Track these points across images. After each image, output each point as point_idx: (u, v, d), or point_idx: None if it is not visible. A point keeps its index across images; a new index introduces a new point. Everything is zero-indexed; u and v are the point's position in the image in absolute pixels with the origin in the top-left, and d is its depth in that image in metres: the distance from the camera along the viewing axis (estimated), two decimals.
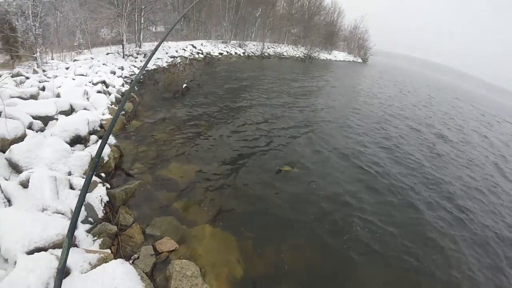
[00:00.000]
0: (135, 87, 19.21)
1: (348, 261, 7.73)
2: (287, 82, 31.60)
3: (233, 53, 48.55)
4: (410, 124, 23.83)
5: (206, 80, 24.94)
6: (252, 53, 53.89)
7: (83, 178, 7.45)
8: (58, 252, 4.98)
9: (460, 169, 16.77)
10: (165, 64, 27.54)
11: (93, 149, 8.80)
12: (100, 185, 7.71)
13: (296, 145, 14.30)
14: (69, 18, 28.06)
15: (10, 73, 13.75)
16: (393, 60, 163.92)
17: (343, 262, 7.69)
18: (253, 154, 12.62)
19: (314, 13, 79.53)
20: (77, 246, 5.62)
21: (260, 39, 64.20)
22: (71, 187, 6.89)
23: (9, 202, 5.88)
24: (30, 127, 8.73)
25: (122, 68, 22.27)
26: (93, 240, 5.99)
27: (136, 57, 27.62)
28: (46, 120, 9.58)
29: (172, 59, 31.06)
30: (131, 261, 5.88)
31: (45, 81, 13.65)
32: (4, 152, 7.14)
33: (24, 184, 6.18)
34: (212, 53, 42.54)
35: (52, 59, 20.34)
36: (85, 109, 11.37)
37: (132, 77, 21.30)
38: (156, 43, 34.47)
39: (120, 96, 15.48)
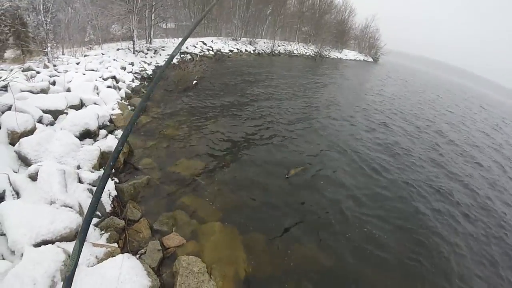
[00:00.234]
0: (145, 82, 19.35)
1: (357, 261, 7.64)
2: (297, 80, 31.31)
3: (244, 51, 48.38)
4: (419, 126, 23.58)
5: (216, 77, 24.86)
6: (263, 50, 53.67)
7: (92, 172, 7.48)
8: (65, 245, 4.98)
9: (468, 167, 16.64)
10: (175, 61, 27.53)
11: (102, 143, 8.79)
12: (108, 179, 7.68)
13: (304, 143, 14.19)
14: (80, 14, 28.14)
15: (21, 68, 13.80)
16: (405, 61, 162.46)
17: (352, 262, 7.60)
18: (262, 151, 12.56)
19: (325, 12, 78.81)
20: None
21: (270, 36, 63.85)
22: (80, 181, 6.90)
23: (17, 194, 5.88)
24: (40, 120, 8.77)
25: (132, 64, 22.33)
26: (101, 234, 5.99)
27: (147, 53, 27.63)
28: (56, 114, 9.61)
29: (182, 55, 31.08)
30: (138, 256, 5.86)
31: (56, 75, 13.68)
32: (13, 145, 7.18)
33: (33, 177, 6.19)
34: (222, 50, 42.45)
35: (63, 54, 20.41)
36: (95, 103, 11.40)
37: (142, 73, 21.33)
38: (166, 40, 34.57)
39: (130, 92, 15.53)
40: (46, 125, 8.87)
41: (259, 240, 7.51)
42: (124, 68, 20.19)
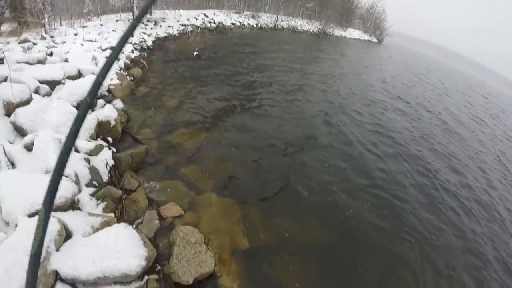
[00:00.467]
0: (145, 53, 19.10)
1: (354, 236, 7.64)
2: (299, 58, 30.63)
3: (246, 24, 47.94)
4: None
5: (217, 49, 24.53)
6: (265, 24, 53.15)
7: (89, 141, 7.37)
8: (61, 215, 4.90)
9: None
10: (176, 32, 27.30)
11: (100, 113, 8.63)
12: (106, 148, 7.61)
13: (303, 115, 14.11)
14: None
15: (17, 40, 13.64)
16: (410, 44, 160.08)
17: (349, 236, 7.61)
18: (262, 122, 12.47)
19: None
20: (79, 209, 5.52)
21: (274, 11, 63.02)
22: (76, 150, 6.80)
23: (12, 165, 5.79)
24: (36, 91, 8.63)
25: (132, 35, 22.09)
26: (97, 204, 5.88)
27: (147, 24, 27.28)
28: (53, 84, 9.47)
29: (184, 27, 30.73)
30: (134, 226, 5.77)
31: (53, 47, 13.52)
32: (9, 116, 7.04)
33: (29, 147, 6.09)
34: (224, 23, 42.06)
35: (61, 25, 20.20)
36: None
37: (142, 44, 21.09)
38: (167, 11, 34.15)
39: (129, 62, 15.34)
40: (43, 96, 8.72)
41: (256, 212, 7.47)
42: None
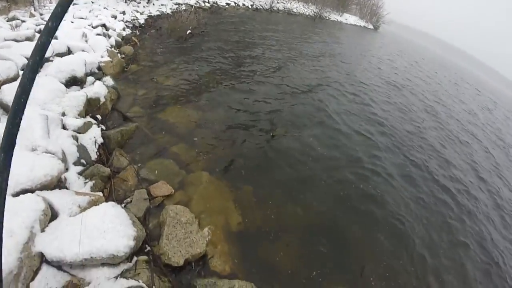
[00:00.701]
0: (137, 31, 18.86)
1: (348, 219, 7.64)
2: (294, 38, 30.80)
3: (241, 4, 47.36)
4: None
5: (211, 28, 24.32)
6: (261, 6, 52.51)
7: (77, 118, 7.17)
8: (46, 194, 4.73)
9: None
10: (169, 11, 26.89)
11: (89, 90, 8.44)
12: (95, 126, 7.42)
13: (297, 103, 13.83)
14: None
15: (5, 18, 13.34)
16: (406, 33, 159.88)
17: (343, 216, 7.65)
18: (255, 101, 12.39)
19: None
20: (66, 188, 5.35)
21: None
22: (64, 128, 6.62)
23: None
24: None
25: (123, 13, 21.67)
26: (85, 183, 5.71)
27: (139, 2, 26.87)
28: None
29: (177, 6, 30.33)
30: (123, 205, 5.64)
31: (42, 24, 13.19)
32: None
33: None
34: (218, 3, 41.53)
35: (51, 3, 19.73)
36: (83, 51, 10.96)
37: (134, 22, 20.78)
38: None
39: (120, 40, 15.07)
40: None
41: (249, 192, 7.39)
42: (115, 17, 19.46)
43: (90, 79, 9.50)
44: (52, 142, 5.71)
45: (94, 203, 5.11)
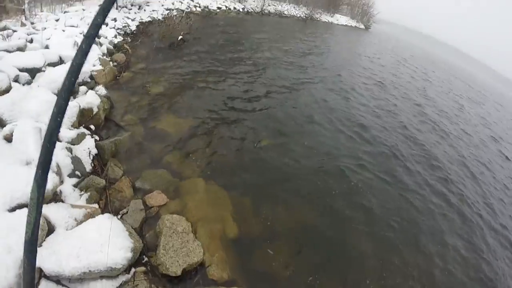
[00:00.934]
0: (129, 38, 18.82)
1: (342, 221, 7.73)
2: (284, 40, 30.94)
3: (232, 8, 47.38)
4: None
5: (203, 33, 24.27)
6: (252, 9, 52.61)
7: (70, 130, 7.17)
8: (42, 208, 4.73)
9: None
10: (160, 17, 26.89)
11: (82, 100, 8.43)
12: (88, 137, 7.44)
13: (285, 106, 13.89)
14: None
15: None
16: (397, 32, 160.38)
17: (338, 222, 7.69)
18: (247, 109, 12.42)
19: None
20: (62, 201, 5.35)
21: None
22: (58, 139, 6.60)
23: None
24: (16, 80, 8.33)
25: (115, 20, 21.63)
26: (80, 195, 5.72)
27: (130, 9, 26.81)
28: (33, 72, 9.18)
29: (168, 11, 30.30)
30: (119, 216, 5.66)
31: (34, 33, 13.14)
32: None
33: (8, 138, 5.89)
34: (210, 7, 41.50)
35: (42, 11, 19.69)
36: None
37: (125, 28, 20.77)
38: None
39: (112, 48, 15.05)
40: (23, 84, 8.44)
41: (244, 199, 7.45)
42: (106, 24, 19.44)
43: (82, 88, 9.49)
44: None
45: (90, 215, 5.12)
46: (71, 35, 13.63)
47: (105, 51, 13.96)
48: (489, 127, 23.89)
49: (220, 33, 26.66)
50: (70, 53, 11.06)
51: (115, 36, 17.42)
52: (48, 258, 4.05)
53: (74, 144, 6.83)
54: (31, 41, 11.68)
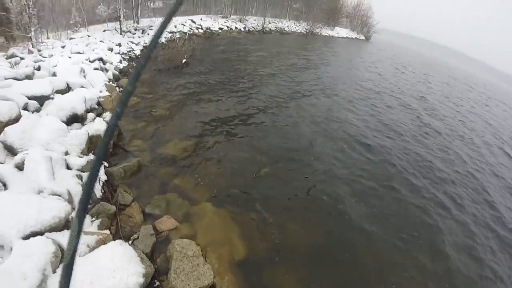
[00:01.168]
0: (133, 63, 18.98)
1: (352, 242, 7.65)
2: (285, 57, 31.28)
3: (234, 28, 48.02)
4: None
5: (206, 55, 24.59)
6: (253, 28, 53.32)
7: (80, 157, 7.28)
8: (55, 235, 4.82)
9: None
10: (163, 40, 27.18)
11: (90, 127, 8.57)
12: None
13: (294, 124, 14.01)
14: None
15: (4, 55, 13.53)
16: (398, 40, 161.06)
17: (347, 242, 7.62)
18: (253, 130, 12.47)
19: None
20: None
21: (261, 14, 62.99)
22: (68, 167, 6.72)
23: (4, 186, 5.67)
24: (25, 108, 8.49)
25: (119, 45, 21.97)
26: (92, 221, 5.81)
27: (134, 33, 27.25)
28: (42, 100, 9.35)
29: (171, 34, 30.60)
30: (130, 242, 5.72)
31: (41, 60, 13.41)
32: None
33: (20, 167, 6.00)
34: (212, 28, 42.07)
35: (48, 38, 20.10)
36: (82, 87, 11.11)
37: (130, 53, 21.00)
38: (154, 19, 34.11)
39: (117, 73, 15.25)
40: (32, 112, 8.60)
41: (252, 220, 7.49)
42: (111, 50, 19.75)
43: (90, 115, 9.64)
44: (57, 183, 5.84)
45: (102, 241, 5.19)
46: (77, 62, 13.89)
47: (111, 77, 14.19)
48: (493, 129, 23.85)
49: (223, 54, 26.96)
50: (76, 80, 11.25)
51: (120, 61, 17.68)
52: None
53: (84, 172, 6.92)
54: (38, 68, 11.90)
